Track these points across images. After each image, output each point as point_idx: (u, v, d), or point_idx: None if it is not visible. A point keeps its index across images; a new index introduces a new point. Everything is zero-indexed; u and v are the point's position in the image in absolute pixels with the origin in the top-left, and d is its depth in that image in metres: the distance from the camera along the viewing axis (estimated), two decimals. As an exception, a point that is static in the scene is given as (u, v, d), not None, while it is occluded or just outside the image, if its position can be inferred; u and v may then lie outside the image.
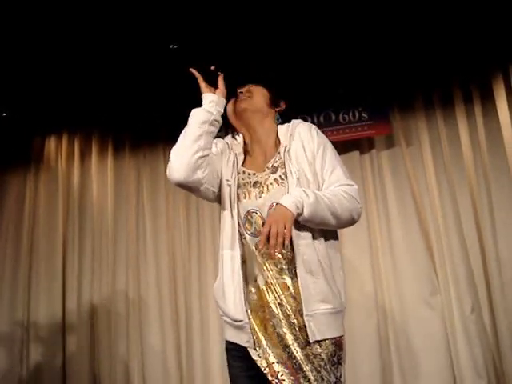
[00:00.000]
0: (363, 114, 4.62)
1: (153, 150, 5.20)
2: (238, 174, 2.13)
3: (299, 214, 1.88)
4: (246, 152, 2.25)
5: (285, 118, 2.31)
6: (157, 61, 4.34)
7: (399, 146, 4.65)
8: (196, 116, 2.08)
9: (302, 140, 2.11)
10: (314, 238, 1.96)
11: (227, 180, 2.13)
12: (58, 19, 3.73)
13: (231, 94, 2.26)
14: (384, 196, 4.58)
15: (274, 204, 1.93)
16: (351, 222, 2.04)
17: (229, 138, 2.33)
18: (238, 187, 2.10)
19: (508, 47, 4.38)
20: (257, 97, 2.24)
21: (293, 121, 2.25)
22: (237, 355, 2.02)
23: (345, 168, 2.11)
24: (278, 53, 4.21)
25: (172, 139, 5.36)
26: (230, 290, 2.01)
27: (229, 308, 2.01)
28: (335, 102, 4.69)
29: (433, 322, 4.24)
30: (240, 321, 1.98)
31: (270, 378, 1.88)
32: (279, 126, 2.25)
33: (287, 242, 1.83)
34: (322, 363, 1.87)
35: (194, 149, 2.02)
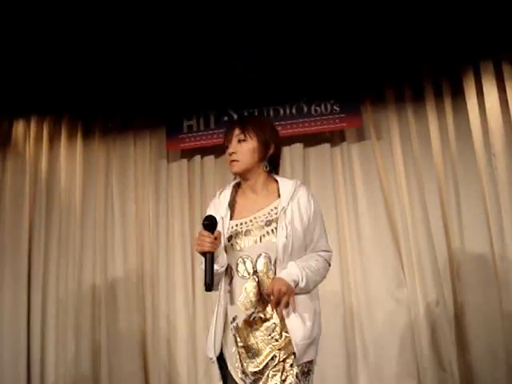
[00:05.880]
0: (335, 107, 4.64)
1: (123, 135, 5.13)
2: (228, 229, 2.34)
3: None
4: (234, 202, 2.46)
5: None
6: (130, 45, 4.29)
7: (369, 139, 4.69)
8: None
9: (300, 204, 2.35)
10: None
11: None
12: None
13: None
14: (353, 188, 4.62)
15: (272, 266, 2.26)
16: (311, 290, 2.34)
17: (215, 198, 2.51)
18: (230, 239, 2.33)
19: (479, 44, 4.43)
20: (245, 157, 2.38)
21: (296, 182, 2.43)
22: None
23: (326, 232, 2.46)
24: (250, 43, 4.20)
25: (143, 126, 5.36)
26: (209, 332, 2.33)
27: (206, 347, 2.33)
28: (307, 94, 4.71)
29: (398, 314, 4.30)
30: (210, 358, 2.29)
31: None
32: (283, 180, 2.45)
33: (292, 307, 2.17)
34: (294, 374, 2.18)
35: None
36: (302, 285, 2.21)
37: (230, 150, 2.40)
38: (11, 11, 3.78)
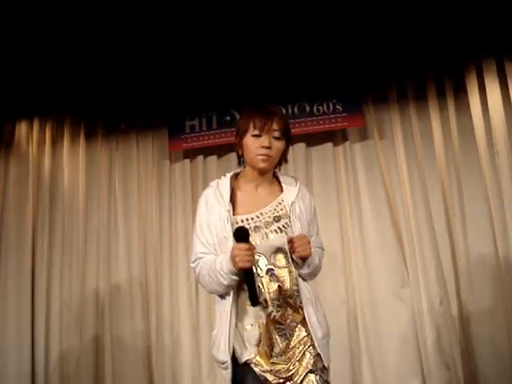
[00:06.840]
0: (337, 106, 4.63)
1: (125, 137, 5.13)
2: (232, 225, 2.22)
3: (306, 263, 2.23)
4: (234, 195, 2.36)
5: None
6: (131, 47, 4.30)
7: (372, 138, 4.67)
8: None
9: (304, 202, 2.38)
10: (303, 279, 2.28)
11: (225, 236, 2.23)
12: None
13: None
14: (356, 188, 4.60)
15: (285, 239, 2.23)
16: (312, 278, 2.38)
17: (212, 189, 2.38)
18: None
19: (482, 42, 4.43)
20: (277, 155, 2.35)
21: (297, 179, 2.49)
22: None
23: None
24: (253, 43, 4.20)
25: (145, 127, 5.35)
26: (218, 336, 2.20)
27: (215, 353, 2.21)
28: (310, 93, 4.70)
29: (402, 313, 4.29)
30: (224, 362, 2.16)
31: None
32: (283, 176, 2.48)
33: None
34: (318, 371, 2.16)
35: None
36: (315, 262, 2.30)
37: (266, 144, 2.27)
38: (14, 13, 3.79)
